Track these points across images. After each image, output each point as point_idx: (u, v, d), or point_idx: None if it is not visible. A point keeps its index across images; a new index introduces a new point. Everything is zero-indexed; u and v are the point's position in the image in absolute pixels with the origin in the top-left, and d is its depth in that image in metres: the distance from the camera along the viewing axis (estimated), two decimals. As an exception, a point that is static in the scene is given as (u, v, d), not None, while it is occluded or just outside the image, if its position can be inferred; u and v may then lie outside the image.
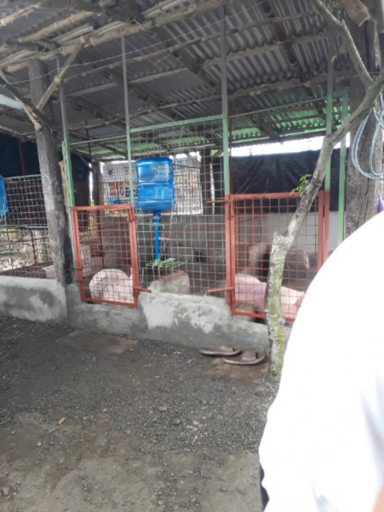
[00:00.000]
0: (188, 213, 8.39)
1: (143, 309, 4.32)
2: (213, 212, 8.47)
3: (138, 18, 3.61)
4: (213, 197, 8.73)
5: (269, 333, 3.10)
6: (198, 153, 9.31)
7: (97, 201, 9.77)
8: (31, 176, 5.30)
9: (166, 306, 4.17)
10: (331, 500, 0.48)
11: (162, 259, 4.65)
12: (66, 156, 4.71)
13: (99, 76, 5.25)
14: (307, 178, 2.90)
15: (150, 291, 4.31)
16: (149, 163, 4.22)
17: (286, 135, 8.10)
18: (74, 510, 2.01)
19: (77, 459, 2.39)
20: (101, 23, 3.86)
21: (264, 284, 3.20)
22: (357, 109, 2.60)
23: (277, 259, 2.95)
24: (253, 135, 8.44)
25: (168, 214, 5.41)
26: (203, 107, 6.55)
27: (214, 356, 3.74)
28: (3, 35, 3.92)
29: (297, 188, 2.98)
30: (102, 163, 10.47)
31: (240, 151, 12.61)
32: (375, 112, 2.77)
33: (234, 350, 3.74)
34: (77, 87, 5.69)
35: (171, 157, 7.68)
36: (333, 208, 3.25)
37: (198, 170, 8.95)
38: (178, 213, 7.05)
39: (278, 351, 3.08)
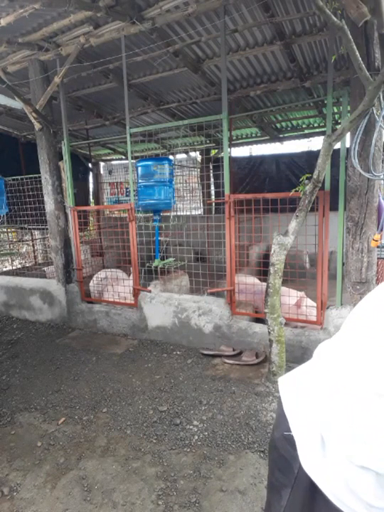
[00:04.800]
0: (188, 213, 8.39)
1: (143, 309, 4.32)
2: (213, 212, 8.48)
3: (138, 18, 3.61)
4: (213, 197, 8.73)
5: (269, 333, 3.10)
6: (198, 153, 9.31)
7: (97, 201, 9.77)
8: (31, 175, 5.30)
9: (166, 306, 4.17)
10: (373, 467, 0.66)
11: (162, 259, 4.65)
12: (66, 156, 4.71)
13: (99, 76, 5.25)
14: (307, 178, 2.90)
15: (150, 291, 4.31)
16: (149, 163, 4.22)
17: (286, 135, 8.10)
18: (74, 510, 2.01)
19: (77, 459, 2.39)
20: (101, 23, 3.86)
21: (264, 284, 3.20)
22: (357, 109, 2.60)
23: (277, 259, 2.95)
24: (253, 135, 8.44)
25: (168, 214, 5.41)
26: (203, 107, 6.55)
27: (214, 356, 3.74)
28: (3, 35, 3.92)
29: (297, 188, 2.98)
30: (102, 163, 10.48)
31: (239, 151, 12.63)
32: (375, 111, 2.77)
33: (234, 350, 3.74)
34: (77, 87, 5.69)
35: (171, 157, 7.69)
36: (333, 208, 3.25)
37: (198, 170, 8.95)
38: (178, 213, 7.05)
39: (278, 351, 3.08)
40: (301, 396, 0.83)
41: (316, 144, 10.61)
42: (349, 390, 0.72)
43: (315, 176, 2.82)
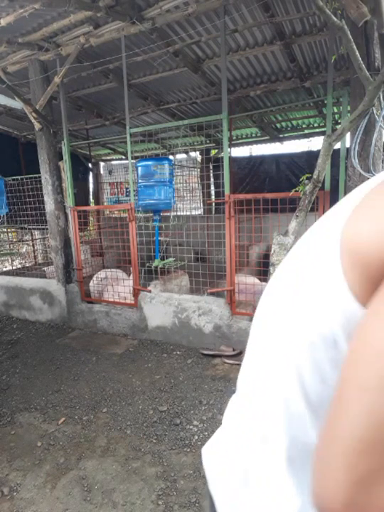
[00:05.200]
0: (188, 213, 8.39)
1: (143, 309, 4.32)
2: (213, 212, 8.47)
3: (138, 18, 3.61)
4: (213, 197, 8.73)
5: (269, 333, 3.10)
6: (198, 153, 9.31)
7: (97, 201, 9.76)
8: (31, 175, 5.30)
9: (166, 306, 4.17)
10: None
11: (162, 259, 4.65)
12: (66, 156, 4.71)
13: (99, 76, 5.25)
14: (307, 178, 2.90)
15: (150, 291, 4.31)
16: (149, 163, 4.22)
17: (286, 135, 8.10)
18: (74, 510, 2.01)
19: (77, 459, 2.39)
20: (101, 23, 3.85)
21: (264, 284, 3.20)
22: (357, 109, 2.60)
23: (277, 259, 2.95)
24: (253, 135, 8.43)
25: (168, 214, 5.41)
26: (203, 107, 6.55)
27: (214, 356, 3.74)
28: (3, 35, 3.92)
29: (297, 188, 2.98)
30: (102, 163, 10.47)
31: (239, 151, 12.61)
32: (375, 111, 2.77)
33: (234, 350, 3.74)
34: (77, 87, 5.69)
35: (171, 157, 7.69)
36: (333, 208, 3.24)
37: (198, 170, 8.95)
38: (178, 213, 7.05)
39: (278, 351, 3.07)
40: (222, 470, 0.67)
41: (316, 144, 10.60)
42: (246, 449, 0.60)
43: (315, 176, 2.82)
